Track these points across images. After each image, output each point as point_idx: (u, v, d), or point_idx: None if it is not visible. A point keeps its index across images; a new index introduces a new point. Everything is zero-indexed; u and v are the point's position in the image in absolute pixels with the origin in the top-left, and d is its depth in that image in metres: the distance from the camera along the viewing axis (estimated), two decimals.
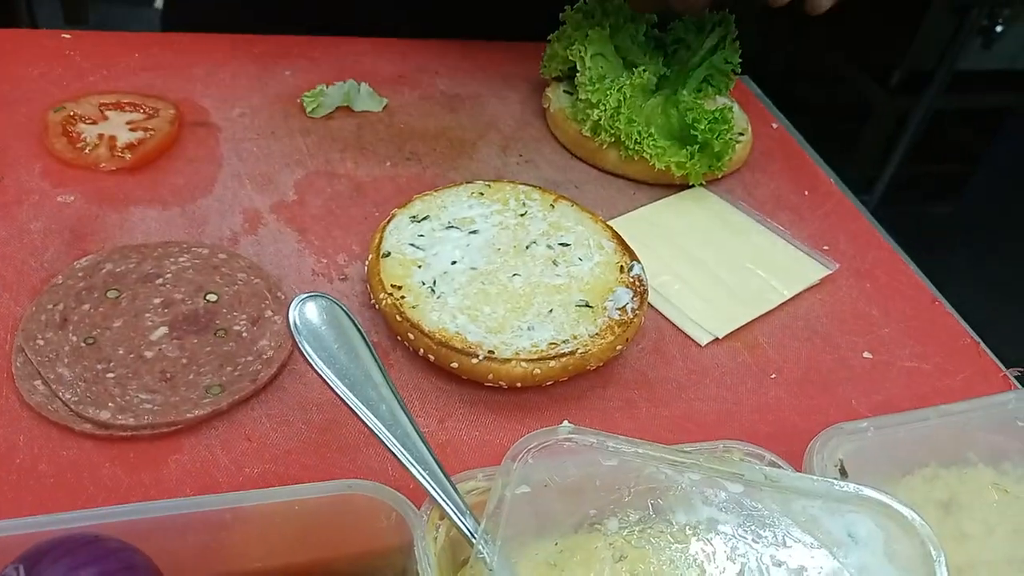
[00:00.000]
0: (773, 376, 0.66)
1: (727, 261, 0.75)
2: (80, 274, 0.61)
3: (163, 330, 0.58)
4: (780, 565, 0.44)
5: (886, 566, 0.44)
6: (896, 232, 0.86)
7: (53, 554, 0.39)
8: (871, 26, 2.40)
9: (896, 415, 0.56)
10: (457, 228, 0.67)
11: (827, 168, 0.93)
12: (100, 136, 0.74)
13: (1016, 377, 0.70)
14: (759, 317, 0.71)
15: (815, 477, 0.49)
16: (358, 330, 0.59)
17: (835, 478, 0.50)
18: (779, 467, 0.50)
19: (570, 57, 0.85)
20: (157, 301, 0.60)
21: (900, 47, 2.44)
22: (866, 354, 0.69)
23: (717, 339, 0.68)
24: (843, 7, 0.78)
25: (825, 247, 0.79)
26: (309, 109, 0.84)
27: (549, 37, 0.89)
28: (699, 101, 0.84)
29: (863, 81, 2.56)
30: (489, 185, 0.72)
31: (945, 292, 0.79)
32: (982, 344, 0.73)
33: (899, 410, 0.59)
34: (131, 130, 0.75)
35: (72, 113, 0.76)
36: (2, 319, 0.58)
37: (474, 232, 0.67)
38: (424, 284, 0.62)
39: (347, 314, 0.60)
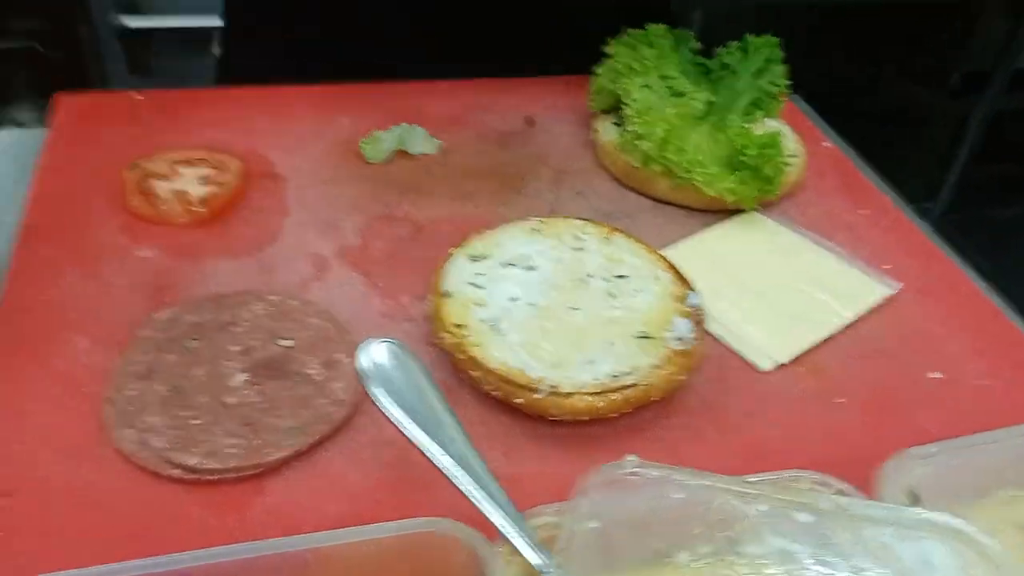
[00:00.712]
0: (839, 401, 0.66)
1: (786, 285, 0.75)
2: (162, 326, 0.64)
3: (242, 376, 0.61)
4: None
5: None
6: (962, 238, 0.85)
7: None
8: (923, 31, 2.37)
9: (967, 437, 0.55)
10: (514, 265, 0.69)
11: (884, 185, 0.92)
12: (174, 192, 0.78)
13: None
14: (822, 341, 0.70)
15: (886, 504, 0.49)
16: (424, 371, 0.62)
17: (907, 504, 0.50)
18: (848, 495, 0.50)
19: (616, 90, 0.87)
20: (235, 349, 0.63)
21: (955, 50, 2.40)
22: (934, 374, 0.69)
23: (780, 365, 0.68)
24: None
25: (886, 266, 0.79)
26: (367, 155, 0.87)
27: (595, 70, 0.91)
28: (747, 126, 0.84)
29: (920, 86, 2.52)
30: (544, 221, 0.74)
31: (1015, 296, 0.78)
32: None
33: (971, 430, 0.58)
34: (202, 185, 0.79)
35: (146, 171, 0.80)
36: (93, 372, 0.61)
37: (531, 268, 0.69)
38: (485, 322, 0.64)
39: (412, 356, 0.63)
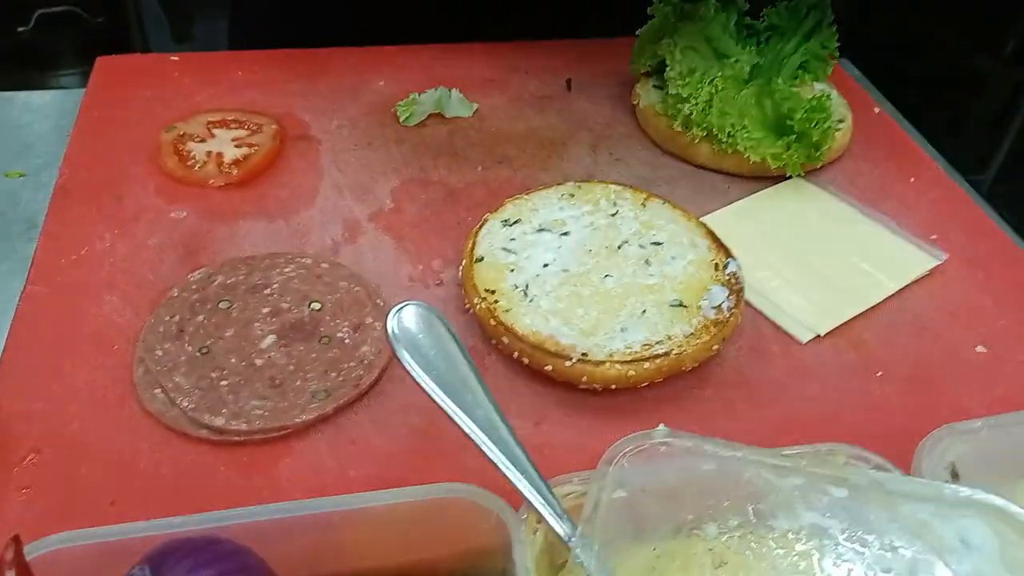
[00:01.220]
0: (879, 374, 0.64)
1: (828, 254, 0.73)
2: (194, 286, 0.65)
3: (271, 338, 0.61)
4: (888, 572, 0.43)
5: (1003, 574, 0.42)
6: (1012, 210, 0.82)
7: (176, 555, 0.42)
8: None
9: (1012, 414, 0.53)
10: (548, 231, 0.68)
11: (935, 153, 0.89)
12: (208, 153, 0.78)
13: None
14: (863, 312, 0.68)
15: (925, 481, 0.47)
16: (453, 336, 0.61)
17: (946, 481, 0.48)
18: (886, 470, 0.48)
19: (659, 52, 0.84)
20: (265, 311, 0.63)
21: (1012, 16, 2.30)
22: (979, 348, 0.66)
23: (819, 336, 0.66)
24: None
25: (934, 236, 0.76)
26: (403, 118, 0.86)
27: (637, 32, 0.89)
28: (795, 90, 0.81)
29: (973, 53, 2.42)
30: (579, 186, 0.72)
31: None
32: None
33: (1016, 407, 0.56)
34: (237, 146, 0.79)
35: (182, 132, 0.80)
36: (125, 331, 0.62)
37: (565, 234, 0.67)
38: (517, 287, 0.63)
39: (442, 321, 0.62)
